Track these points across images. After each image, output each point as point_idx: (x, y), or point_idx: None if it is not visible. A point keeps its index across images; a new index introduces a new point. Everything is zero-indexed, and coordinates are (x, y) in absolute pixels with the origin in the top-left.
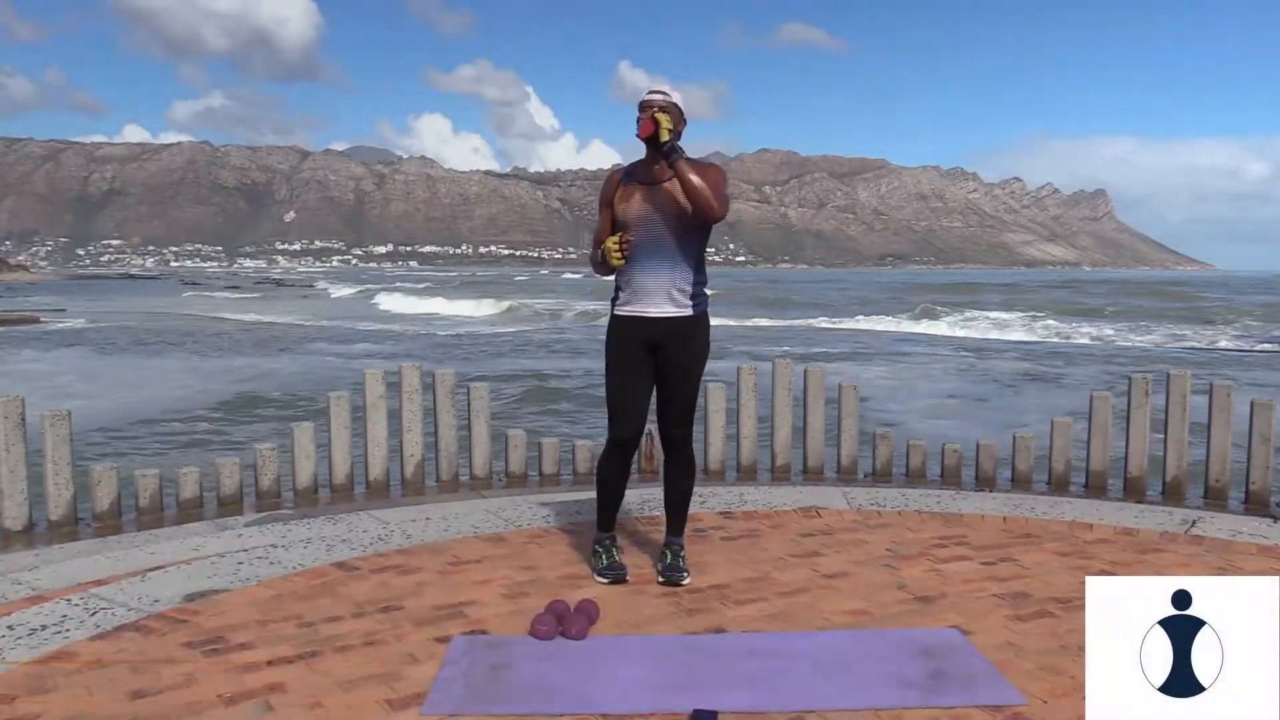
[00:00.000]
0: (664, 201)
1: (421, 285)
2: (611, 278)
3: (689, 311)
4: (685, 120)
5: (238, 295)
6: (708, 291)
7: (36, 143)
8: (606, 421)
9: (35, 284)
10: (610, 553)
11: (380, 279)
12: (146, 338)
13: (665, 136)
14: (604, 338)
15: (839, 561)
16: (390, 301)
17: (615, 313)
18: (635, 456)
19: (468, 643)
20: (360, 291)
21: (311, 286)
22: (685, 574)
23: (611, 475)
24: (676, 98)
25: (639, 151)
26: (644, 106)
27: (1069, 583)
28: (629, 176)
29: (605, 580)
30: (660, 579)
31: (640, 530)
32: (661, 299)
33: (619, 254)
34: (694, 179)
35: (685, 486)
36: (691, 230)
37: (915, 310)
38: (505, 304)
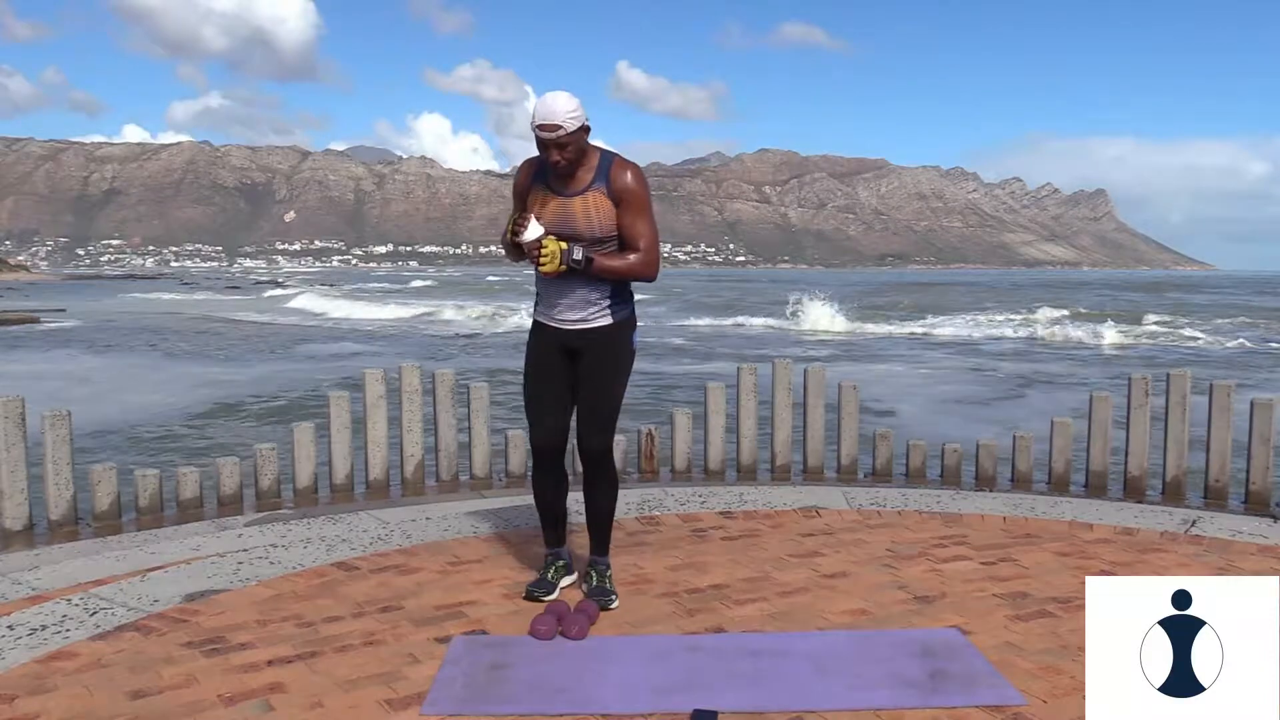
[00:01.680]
0: (576, 215)
1: (372, 287)
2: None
3: (607, 320)
4: (589, 128)
5: (183, 294)
6: (635, 296)
7: (36, 143)
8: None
9: (35, 284)
10: (547, 571)
11: (365, 278)
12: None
13: (562, 268)
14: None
15: (839, 561)
16: (302, 301)
17: (534, 318)
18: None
19: (467, 643)
20: (299, 292)
21: (281, 285)
22: (613, 597)
23: (541, 487)
24: (571, 119)
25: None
26: (539, 144)
27: (1069, 583)
28: (541, 178)
29: (526, 595)
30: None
31: (639, 530)
32: (577, 311)
33: (512, 232)
34: (616, 267)
35: (606, 505)
36: (607, 243)
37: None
38: (414, 309)
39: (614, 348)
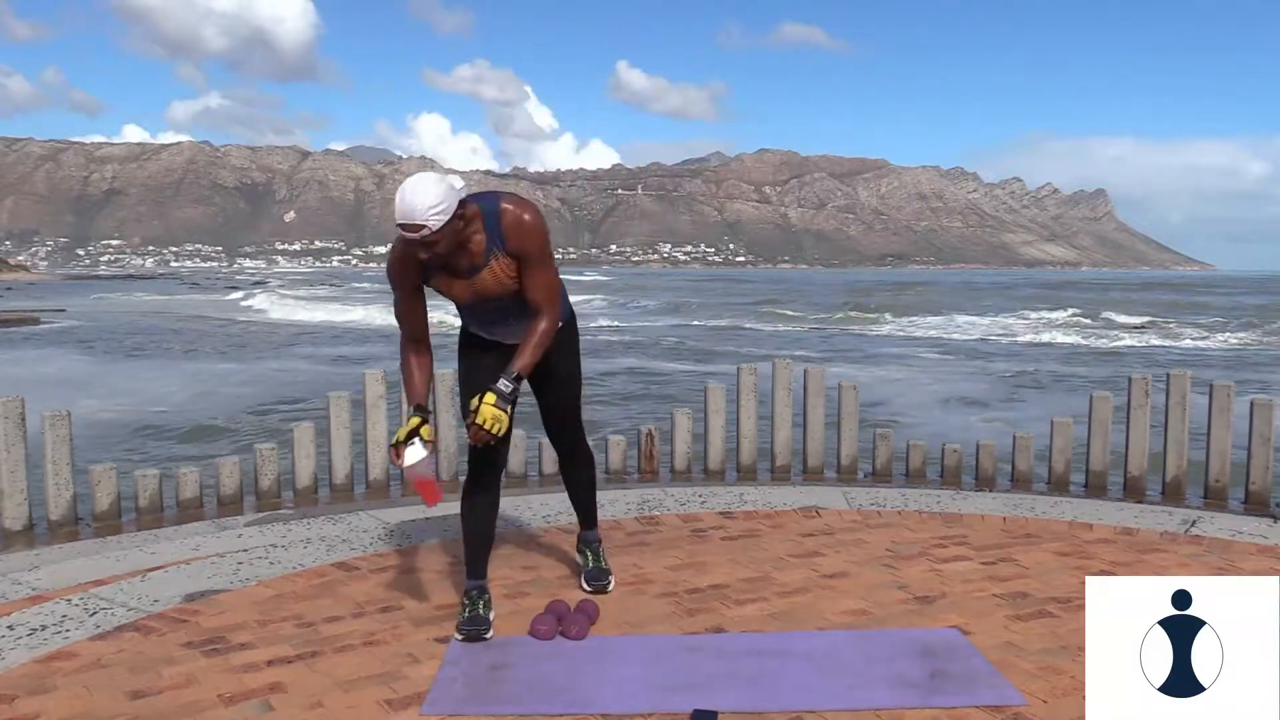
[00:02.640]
0: (489, 287)
1: (351, 287)
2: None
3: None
4: (462, 214)
5: (160, 294)
6: (570, 298)
7: (36, 143)
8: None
9: (34, 284)
10: (476, 605)
11: (358, 277)
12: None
13: (508, 412)
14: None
15: (839, 561)
16: (254, 300)
17: (469, 329)
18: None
19: (467, 643)
20: (256, 293)
21: (264, 285)
22: (610, 577)
23: (476, 509)
24: (436, 215)
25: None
26: (410, 245)
27: (1069, 583)
28: (432, 267)
29: (460, 637)
30: (586, 586)
31: (638, 530)
32: (519, 333)
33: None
34: (536, 349)
35: (588, 476)
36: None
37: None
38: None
39: (568, 347)
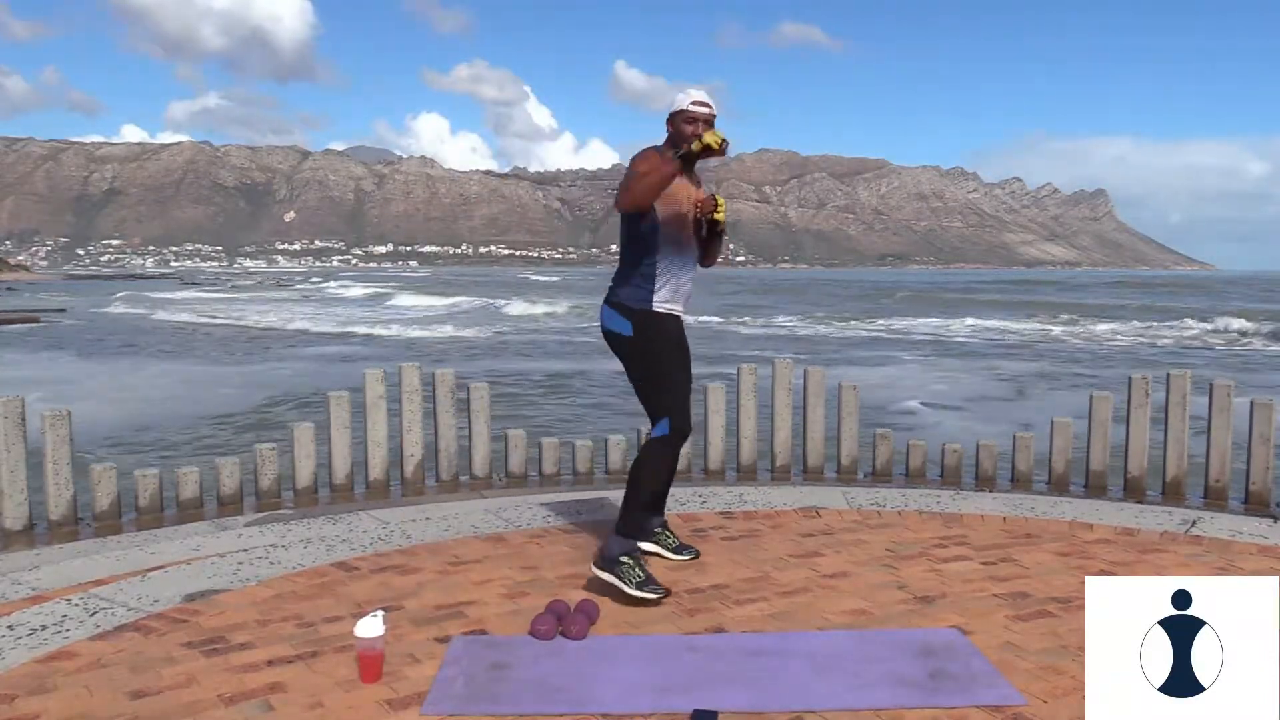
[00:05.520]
0: (697, 195)
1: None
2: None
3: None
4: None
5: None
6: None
7: (37, 143)
8: (668, 418)
9: (34, 284)
10: (644, 565)
11: (336, 275)
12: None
13: (723, 220)
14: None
15: (839, 561)
16: (156, 305)
17: (656, 309)
18: None
19: (467, 643)
20: (120, 294)
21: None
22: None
23: (672, 471)
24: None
25: (636, 151)
26: (690, 119)
27: (1069, 583)
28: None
29: (659, 595)
30: (683, 557)
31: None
32: (685, 303)
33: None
34: (719, 248)
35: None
36: None
37: None
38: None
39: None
